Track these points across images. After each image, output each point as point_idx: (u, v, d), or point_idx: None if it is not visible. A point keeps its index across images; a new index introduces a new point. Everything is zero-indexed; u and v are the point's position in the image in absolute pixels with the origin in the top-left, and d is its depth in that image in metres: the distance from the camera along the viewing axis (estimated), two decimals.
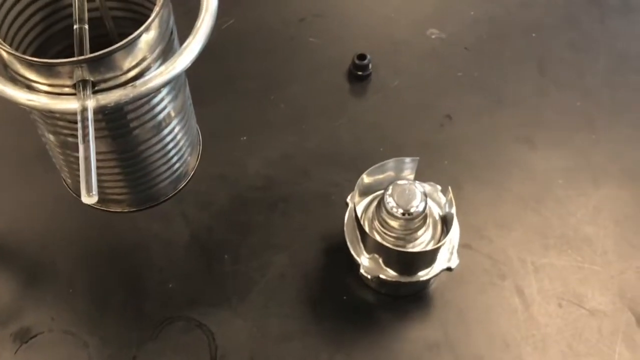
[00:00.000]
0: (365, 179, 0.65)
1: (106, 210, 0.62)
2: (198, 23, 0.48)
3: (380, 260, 0.65)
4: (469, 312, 0.68)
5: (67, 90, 0.45)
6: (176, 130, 0.56)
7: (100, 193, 0.58)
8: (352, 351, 0.66)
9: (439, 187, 0.68)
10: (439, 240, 0.65)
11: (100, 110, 0.44)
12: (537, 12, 0.90)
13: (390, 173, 0.66)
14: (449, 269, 0.65)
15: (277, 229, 0.73)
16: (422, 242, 0.65)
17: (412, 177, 0.66)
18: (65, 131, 0.51)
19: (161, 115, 0.53)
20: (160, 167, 0.58)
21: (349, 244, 0.66)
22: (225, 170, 0.76)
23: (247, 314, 0.68)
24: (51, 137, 0.53)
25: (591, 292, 0.69)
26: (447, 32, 0.88)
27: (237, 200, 0.75)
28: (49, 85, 0.45)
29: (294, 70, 0.85)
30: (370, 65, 0.83)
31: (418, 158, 0.65)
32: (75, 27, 0.48)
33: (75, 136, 0.51)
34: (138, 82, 0.45)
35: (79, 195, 0.60)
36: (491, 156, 0.78)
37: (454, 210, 0.63)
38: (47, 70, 0.44)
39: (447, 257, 0.65)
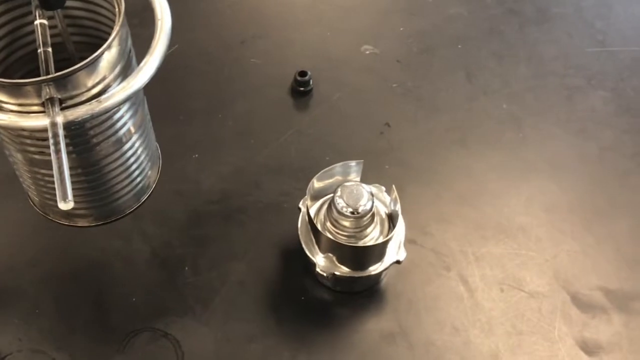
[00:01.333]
0: (316, 183, 0.69)
1: (72, 226, 0.64)
2: (154, 42, 0.52)
3: (334, 258, 0.69)
4: (418, 302, 0.73)
5: (35, 108, 0.48)
6: (136, 145, 0.59)
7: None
8: (313, 347, 0.70)
9: (384, 188, 0.73)
10: (387, 236, 0.70)
11: (68, 125, 0.47)
12: (461, 25, 0.97)
13: (338, 177, 0.71)
14: (397, 262, 0.70)
15: (233, 239, 0.77)
16: (372, 238, 0.69)
17: (358, 179, 0.71)
18: (33, 149, 0.53)
19: (122, 131, 0.56)
20: (122, 180, 0.61)
21: (303, 245, 0.70)
22: (180, 187, 0.80)
23: (211, 321, 0.71)
24: (19, 155, 0.56)
25: (529, 276, 0.75)
26: (380, 48, 0.94)
27: (193, 215, 0.78)
28: (18, 104, 0.48)
29: (239, 90, 0.89)
30: (311, 81, 0.88)
31: (362, 161, 0.70)
32: (40, 50, 0.51)
33: (42, 153, 0.54)
34: (102, 97, 0.49)
35: (46, 213, 0.62)
36: (429, 158, 0.84)
37: (398, 207, 0.68)
38: (17, 90, 0.47)
39: (395, 251, 0.70)
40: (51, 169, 0.55)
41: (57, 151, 0.46)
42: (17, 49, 0.56)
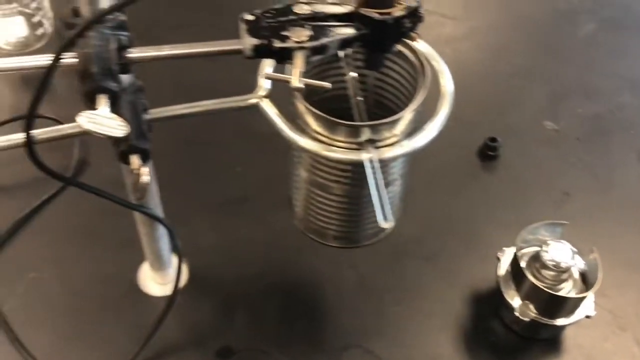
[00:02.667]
0: (525, 236, 0.79)
1: (323, 244, 0.76)
2: (439, 107, 0.63)
3: (532, 305, 0.78)
4: (596, 356, 0.81)
5: (342, 144, 0.60)
6: (397, 189, 0.70)
7: (322, 228, 0.73)
8: None
9: (576, 250, 0.82)
10: (579, 292, 0.79)
11: (378, 162, 0.59)
12: (632, 112, 1.07)
13: (543, 233, 0.81)
14: (587, 317, 0.78)
15: (430, 277, 0.87)
16: (567, 292, 0.78)
17: (560, 238, 0.81)
18: (321, 173, 0.65)
19: (393, 175, 0.67)
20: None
21: (503, 290, 0.80)
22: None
23: (409, 345, 0.81)
24: (304, 175, 0.67)
25: None
26: (559, 125, 1.04)
27: (396, 252, 0.89)
28: (331, 138, 0.60)
29: (433, 148, 1.00)
30: (498, 147, 0.99)
31: (567, 223, 0.80)
32: (355, 99, 0.64)
33: (325, 178, 0.66)
34: (403, 143, 0.60)
35: (304, 228, 0.74)
36: (604, 228, 0.93)
37: (599, 268, 0.77)
38: (338, 128, 0.59)
39: (585, 306, 0.79)
40: (328, 192, 0.68)
41: (377, 180, 0.58)
42: (323, 92, 0.68)
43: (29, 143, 0.57)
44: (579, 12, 1.21)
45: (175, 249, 0.77)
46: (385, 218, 0.58)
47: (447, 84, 0.65)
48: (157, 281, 0.85)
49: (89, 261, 0.87)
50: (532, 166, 0.99)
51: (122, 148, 0.56)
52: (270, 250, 0.88)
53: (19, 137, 0.59)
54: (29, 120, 0.55)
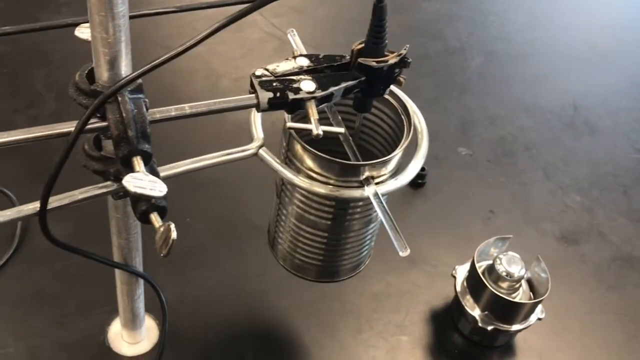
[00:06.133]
0: (478, 252, 0.87)
1: (299, 276, 0.78)
2: (418, 149, 0.69)
3: (491, 314, 0.86)
4: (547, 354, 0.91)
5: (338, 182, 0.64)
6: (376, 227, 0.75)
7: (304, 263, 0.76)
8: None
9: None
10: (530, 298, 0.88)
11: (376, 195, 0.64)
12: (531, 135, 1.20)
13: (491, 248, 0.89)
14: (539, 319, 0.87)
15: (393, 300, 0.93)
16: (520, 299, 0.87)
17: (506, 250, 0.89)
18: (310, 209, 0.69)
19: (374, 214, 0.72)
20: (355, 251, 0.76)
21: (464, 302, 0.87)
22: None
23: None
24: (292, 211, 0.70)
25: None
26: (472, 150, 1.15)
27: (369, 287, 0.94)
28: (328, 177, 0.64)
29: None
30: (426, 175, 1.07)
31: (511, 236, 0.88)
32: (349, 142, 0.68)
33: (310, 213, 0.70)
34: (397, 178, 0.66)
35: (281, 262, 0.77)
36: (526, 234, 1.03)
37: (547, 273, 0.86)
38: (340, 168, 0.63)
39: (537, 310, 0.88)
40: (313, 227, 0.71)
41: (384, 212, 0.63)
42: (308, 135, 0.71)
43: (42, 213, 0.57)
44: (467, 48, 1.34)
45: (161, 306, 0.77)
46: (405, 247, 0.63)
47: (422, 123, 0.71)
48: (129, 341, 0.84)
49: (53, 328, 0.84)
50: (456, 189, 1.08)
51: (143, 208, 0.57)
52: (239, 294, 0.90)
53: (29, 207, 0.58)
54: (46, 191, 0.55)
